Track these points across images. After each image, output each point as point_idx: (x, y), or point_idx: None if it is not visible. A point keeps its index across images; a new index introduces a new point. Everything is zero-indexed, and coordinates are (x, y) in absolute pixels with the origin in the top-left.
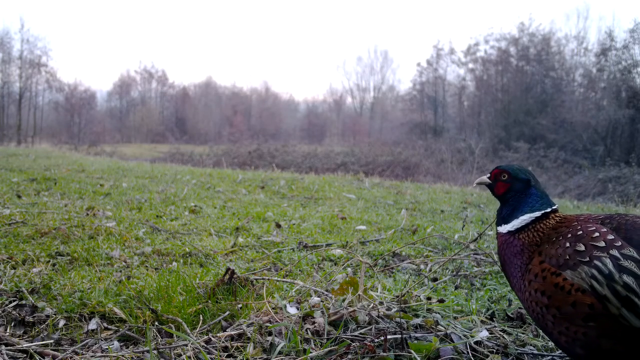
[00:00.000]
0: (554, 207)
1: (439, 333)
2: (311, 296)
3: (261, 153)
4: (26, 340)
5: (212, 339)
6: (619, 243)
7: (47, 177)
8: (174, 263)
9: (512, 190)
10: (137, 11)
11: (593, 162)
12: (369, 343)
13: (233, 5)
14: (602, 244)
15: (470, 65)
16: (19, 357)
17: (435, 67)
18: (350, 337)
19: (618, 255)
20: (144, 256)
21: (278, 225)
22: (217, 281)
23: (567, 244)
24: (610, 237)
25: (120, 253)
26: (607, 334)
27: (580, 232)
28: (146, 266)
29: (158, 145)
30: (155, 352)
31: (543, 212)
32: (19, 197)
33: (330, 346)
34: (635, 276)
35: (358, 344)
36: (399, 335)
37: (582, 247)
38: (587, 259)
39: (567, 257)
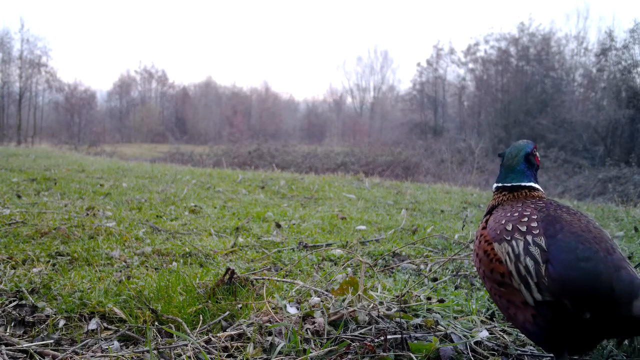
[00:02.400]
0: (505, 184)
1: (438, 333)
2: (311, 296)
3: (261, 153)
4: (26, 340)
5: (212, 339)
6: (537, 231)
7: (47, 177)
8: (174, 263)
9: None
10: (137, 11)
11: (593, 162)
12: (369, 343)
13: (233, 5)
14: (524, 228)
15: (470, 65)
16: (19, 357)
17: (435, 67)
18: (350, 337)
19: (530, 240)
20: (144, 256)
21: (278, 225)
22: (217, 281)
23: (503, 221)
24: (534, 224)
25: (120, 253)
26: (511, 302)
27: (516, 214)
28: (146, 266)
29: (158, 145)
30: (155, 352)
31: (496, 185)
32: (19, 197)
33: (330, 346)
34: (535, 261)
35: (358, 344)
36: (399, 335)
37: (510, 227)
38: (509, 238)
39: (498, 232)
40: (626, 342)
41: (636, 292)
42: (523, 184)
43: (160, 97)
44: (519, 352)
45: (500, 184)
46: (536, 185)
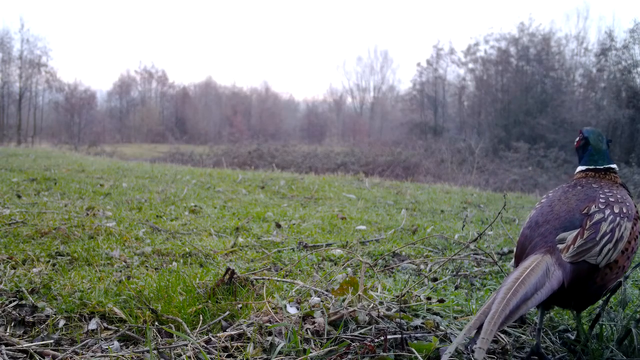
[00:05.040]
0: (589, 167)
1: (438, 333)
2: (311, 296)
3: (261, 153)
4: (26, 340)
5: (212, 339)
6: (538, 206)
7: (47, 177)
8: (174, 263)
9: (580, 146)
10: (137, 11)
11: None
12: (369, 343)
13: (233, 5)
14: (538, 204)
15: (470, 65)
16: (19, 357)
17: (435, 67)
18: (350, 337)
19: (533, 209)
20: (144, 256)
21: (278, 225)
22: (217, 281)
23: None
24: (542, 200)
25: (120, 253)
26: None
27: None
28: (146, 266)
29: (158, 145)
30: (155, 352)
31: (586, 167)
32: (19, 197)
33: (330, 346)
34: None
35: (358, 344)
36: (399, 335)
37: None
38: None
39: None
40: (626, 342)
41: (525, 249)
42: (612, 166)
43: (160, 97)
44: (518, 353)
45: (592, 167)
46: (614, 166)
